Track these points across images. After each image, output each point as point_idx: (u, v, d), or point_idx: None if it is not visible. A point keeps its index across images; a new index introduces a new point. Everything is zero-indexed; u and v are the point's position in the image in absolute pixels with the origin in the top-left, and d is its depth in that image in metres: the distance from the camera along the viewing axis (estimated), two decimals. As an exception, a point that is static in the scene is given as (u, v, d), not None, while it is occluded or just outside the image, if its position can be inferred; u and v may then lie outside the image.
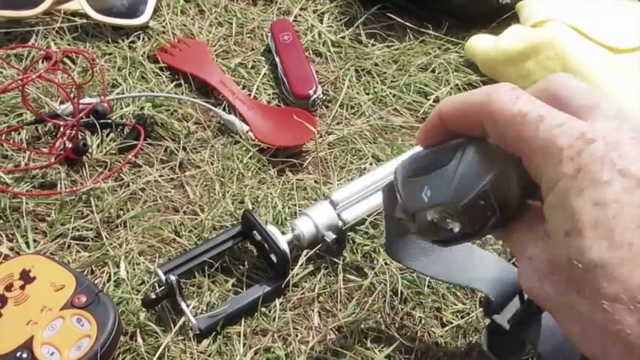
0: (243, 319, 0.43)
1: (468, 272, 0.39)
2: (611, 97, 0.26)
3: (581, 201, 0.22)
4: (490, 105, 0.26)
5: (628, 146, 0.23)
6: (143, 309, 0.43)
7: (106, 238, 0.47)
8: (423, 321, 0.44)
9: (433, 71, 0.61)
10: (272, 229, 0.45)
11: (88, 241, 0.47)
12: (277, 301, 0.44)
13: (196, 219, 0.49)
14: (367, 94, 0.59)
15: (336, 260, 0.46)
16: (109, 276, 0.45)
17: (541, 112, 0.25)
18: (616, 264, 0.22)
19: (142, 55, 0.60)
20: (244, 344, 0.42)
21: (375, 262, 0.46)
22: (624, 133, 0.23)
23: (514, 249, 0.27)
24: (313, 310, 0.45)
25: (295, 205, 0.50)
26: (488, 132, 0.27)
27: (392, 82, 0.60)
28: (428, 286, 0.45)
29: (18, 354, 0.38)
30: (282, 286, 0.45)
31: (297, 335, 0.43)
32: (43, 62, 0.59)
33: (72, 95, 0.53)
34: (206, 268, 0.45)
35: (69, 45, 0.61)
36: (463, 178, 0.27)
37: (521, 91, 0.26)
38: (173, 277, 0.42)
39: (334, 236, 0.45)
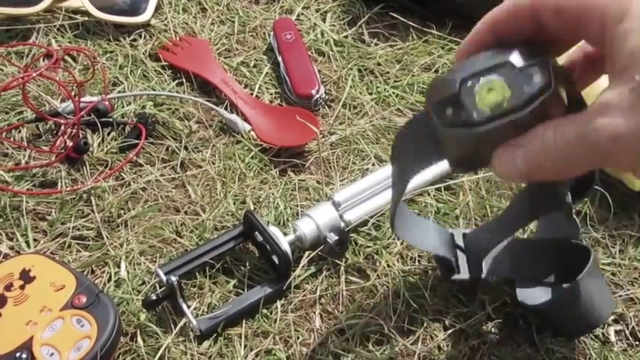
0: (244, 321, 0.43)
1: (430, 240, 0.44)
2: None
3: None
4: None
5: None
6: (144, 310, 0.43)
7: (107, 237, 0.47)
8: (425, 324, 0.44)
9: (436, 71, 0.61)
10: (274, 230, 0.44)
11: (89, 240, 0.47)
12: (279, 303, 0.44)
13: (197, 219, 0.48)
14: (370, 93, 0.59)
15: (338, 262, 0.46)
16: (110, 276, 0.45)
17: None
18: None
19: (143, 54, 0.60)
20: (245, 346, 0.42)
21: (378, 263, 0.46)
22: None
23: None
24: (315, 312, 0.44)
25: (297, 205, 0.50)
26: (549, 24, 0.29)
27: (395, 81, 0.60)
28: (430, 289, 0.45)
29: (17, 354, 0.38)
30: (284, 287, 0.44)
31: (298, 337, 0.43)
32: (44, 60, 0.58)
33: (73, 93, 0.53)
34: (207, 268, 0.45)
35: (70, 43, 0.60)
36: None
37: None
38: (174, 278, 0.42)
39: (336, 237, 0.45)
